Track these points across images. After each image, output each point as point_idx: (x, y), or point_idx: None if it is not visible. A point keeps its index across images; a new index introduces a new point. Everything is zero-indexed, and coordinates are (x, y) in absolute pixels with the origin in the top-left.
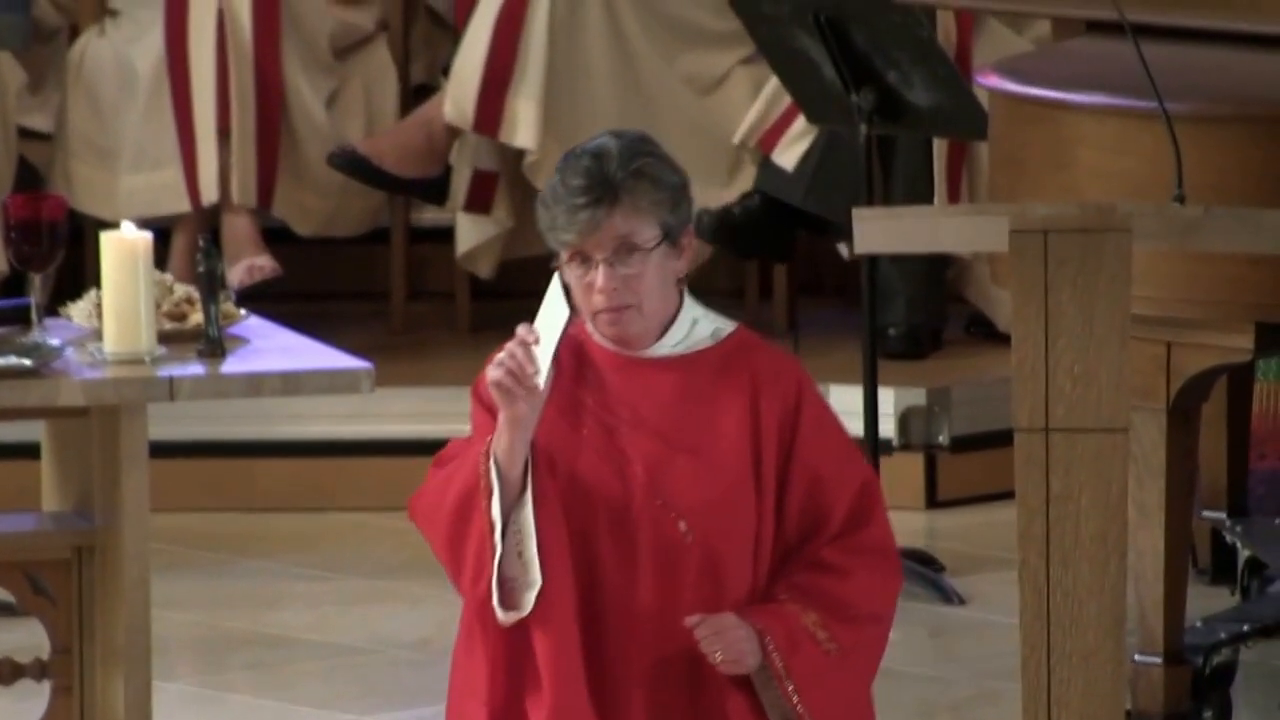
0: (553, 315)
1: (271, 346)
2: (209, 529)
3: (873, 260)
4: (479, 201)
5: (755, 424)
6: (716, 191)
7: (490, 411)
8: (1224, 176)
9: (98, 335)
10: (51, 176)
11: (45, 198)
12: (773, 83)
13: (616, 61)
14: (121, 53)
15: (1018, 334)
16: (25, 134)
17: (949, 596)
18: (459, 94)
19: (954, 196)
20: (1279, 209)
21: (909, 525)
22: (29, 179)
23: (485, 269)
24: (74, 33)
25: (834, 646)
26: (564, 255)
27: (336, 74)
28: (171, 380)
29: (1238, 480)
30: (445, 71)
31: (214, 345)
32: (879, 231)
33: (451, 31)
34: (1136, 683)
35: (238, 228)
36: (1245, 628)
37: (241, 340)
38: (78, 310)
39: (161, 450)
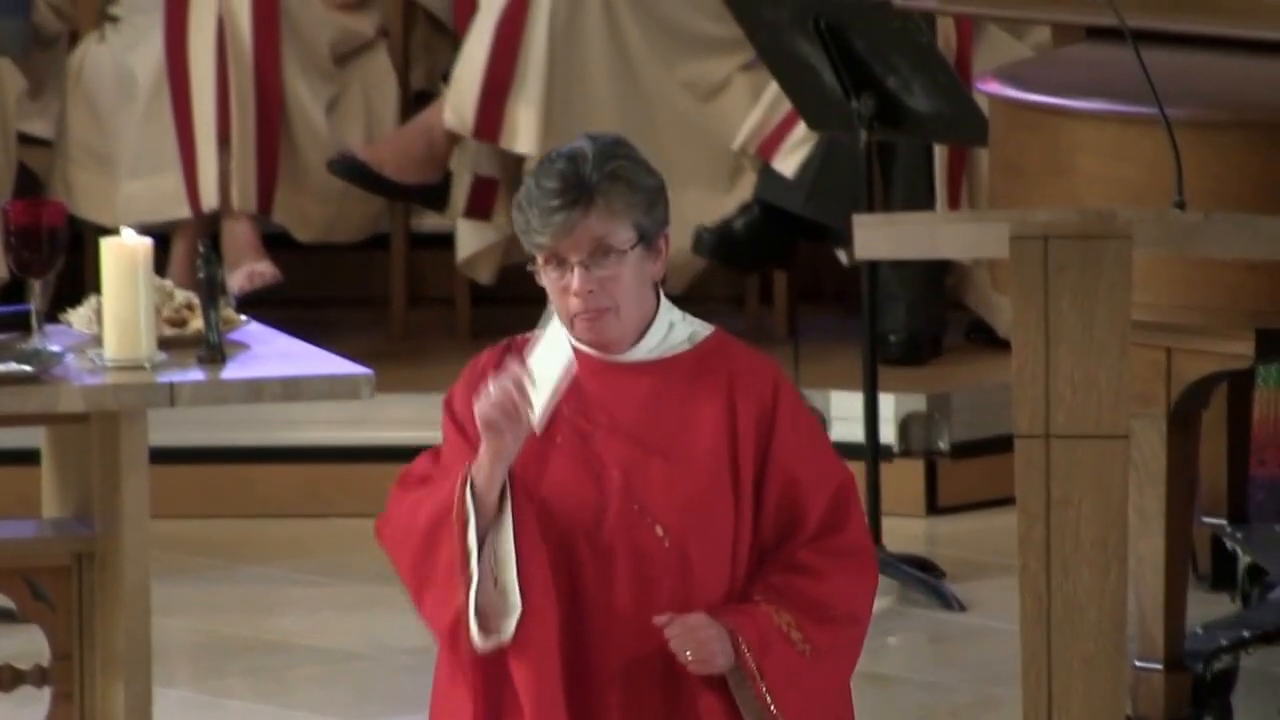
0: (552, 358)
1: (271, 352)
2: (208, 535)
3: (873, 266)
4: (479, 208)
5: (732, 426)
6: (717, 198)
7: (461, 428)
8: (1223, 182)
9: (98, 341)
10: (51, 182)
11: (45, 204)
12: (773, 89)
13: (616, 67)
14: (121, 59)
15: (1018, 340)
16: (25, 140)
17: (949, 602)
18: (459, 100)
19: (954, 203)
20: (1278, 215)
21: (909, 531)
22: (29, 185)
23: (485, 275)
24: (74, 39)
25: (808, 648)
26: (540, 259)
27: (336, 80)
28: (172, 386)
29: (1238, 486)
30: (445, 78)
31: (214, 351)
32: (879, 238)
33: (451, 38)
34: (1137, 689)
35: (238, 234)
36: (1246, 634)
37: (242, 346)
38: (78, 316)
39: (161, 456)
